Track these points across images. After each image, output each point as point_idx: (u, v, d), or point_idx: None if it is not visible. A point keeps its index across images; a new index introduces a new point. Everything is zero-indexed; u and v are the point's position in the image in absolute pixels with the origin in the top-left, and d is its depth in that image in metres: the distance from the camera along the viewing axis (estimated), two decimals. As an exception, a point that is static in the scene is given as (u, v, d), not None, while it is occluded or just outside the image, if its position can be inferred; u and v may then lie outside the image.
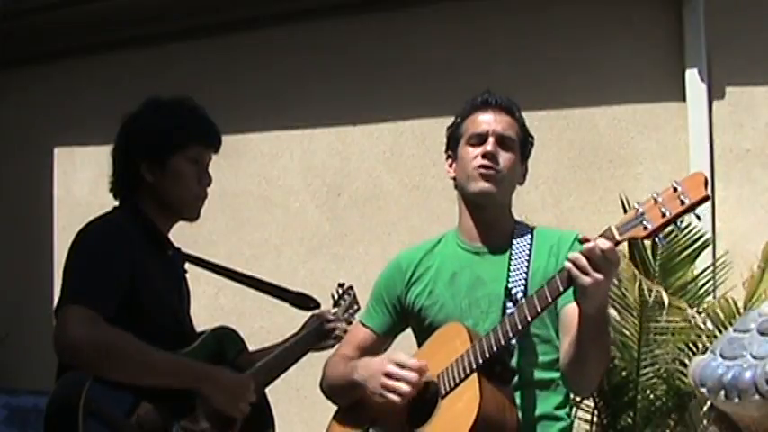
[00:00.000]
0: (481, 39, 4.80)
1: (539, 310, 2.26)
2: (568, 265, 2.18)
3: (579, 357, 2.33)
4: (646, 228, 2.14)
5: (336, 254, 5.00)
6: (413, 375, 2.40)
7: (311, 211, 5.09)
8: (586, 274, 2.15)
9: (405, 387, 2.40)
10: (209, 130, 2.67)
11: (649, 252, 3.83)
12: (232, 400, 2.50)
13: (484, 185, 2.49)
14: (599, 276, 2.15)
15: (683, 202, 2.10)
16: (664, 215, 2.12)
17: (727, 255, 4.05)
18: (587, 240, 2.19)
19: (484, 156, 2.49)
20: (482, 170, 2.49)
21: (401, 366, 2.42)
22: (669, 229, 2.16)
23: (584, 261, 2.16)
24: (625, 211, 3.84)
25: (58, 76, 5.73)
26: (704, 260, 4.02)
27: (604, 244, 2.16)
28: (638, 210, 2.17)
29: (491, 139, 2.51)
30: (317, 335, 2.94)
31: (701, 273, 3.95)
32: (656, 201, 2.14)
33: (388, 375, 2.42)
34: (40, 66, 5.75)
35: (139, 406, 2.36)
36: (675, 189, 2.12)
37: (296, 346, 2.87)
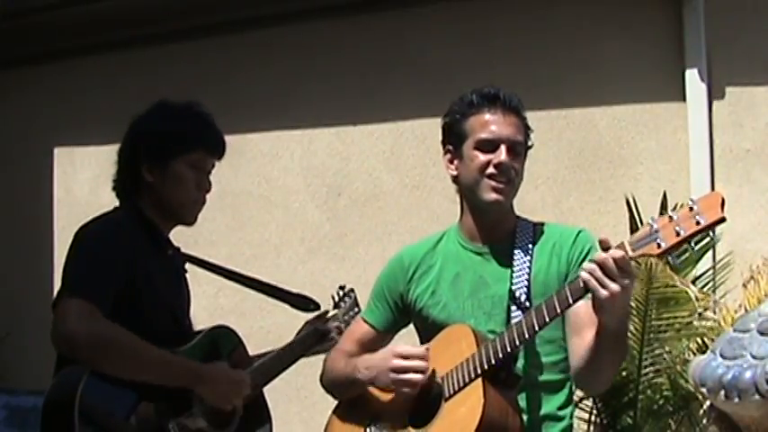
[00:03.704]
0: (481, 39, 4.80)
1: (547, 320, 2.25)
2: (585, 276, 2.14)
3: (594, 364, 2.31)
4: (659, 246, 2.11)
5: (336, 254, 5.00)
6: (420, 364, 2.39)
7: (311, 211, 5.09)
8: (603, 286, 2.12)
9: (415, 377, 2.39)
10: (212, 137, 2.68)
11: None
12: (226, 395, 2.52)
13: (496, 197, 2.45)
14: (615, 288, 2.12)
15: (698, 222, 2.07)
16: (678, 234, 2.09)
17: (727, 255, 4.05)
18: (608, 243, 2.15)
19: (496, 166, 2.43)
20: (493, 182, 2.44)
21: (405, 358, 2.41)
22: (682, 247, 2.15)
23: (599, 272, 2.12)
24: (631, 212, 3.90)
25: (58, 76, 5.73)
26: (704, 261, 4.01)
27: (617, 253, 2.12)
28: (652, 226, 2.14)
29: (503, 148, 2.44)
30: (315, 336, 2.94)
31: (703, 273, 3.95)
32: (671, 219, 2.11)
33: (396, 370, 2.41)
34: (40, 66, 5.76)
35: (135, 403, 2.37)
36: (692, 208, 2.09)
37: (294, 346, 2.87)
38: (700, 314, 3.71)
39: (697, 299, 3.61)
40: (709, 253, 4.08)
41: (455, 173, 2.53)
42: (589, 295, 2.18)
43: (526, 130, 2.53)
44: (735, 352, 2.02)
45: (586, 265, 2.16)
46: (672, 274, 3.63)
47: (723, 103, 4.40)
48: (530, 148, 2.55)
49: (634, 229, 3.75)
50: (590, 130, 4.61)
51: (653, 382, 3.82)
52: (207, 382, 2.48)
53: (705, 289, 3.94)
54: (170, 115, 2.66)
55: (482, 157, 2.45)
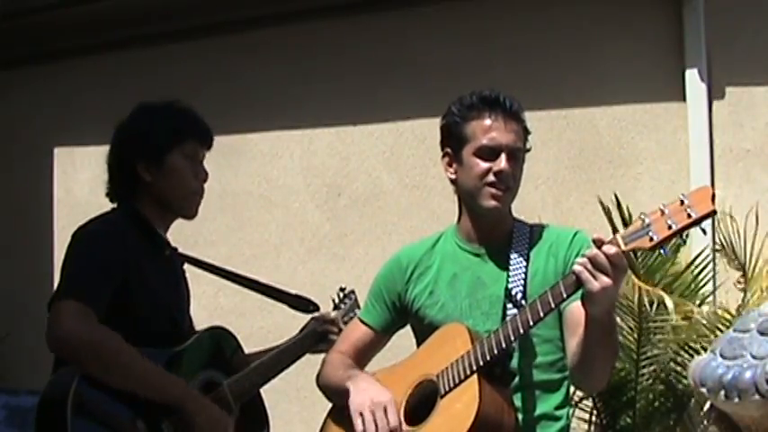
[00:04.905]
0: (481, 39, 4.79)
1: (541, 315, 2.26)
2: (578, 269, 2.18)
3: (586, 359, 2.32)
4: (651, 239, 2.15)
5: (336, 254, 5.00)
6: (384, 426, 2.39)
7: (311, 211, 5.09)
8: (595, 278, 2.15)
9: (372, 428, 2.39)
10: (201, 126, 2.71)
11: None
12: (204, 429, 2.48)
13: (495, 204, 2.45)
14: (607, 281, 2.15)
15: (689, 216, 2.11)
16: (670, 227, 2.13)
17: (723, 247, 4.04)
18: (601, 241, 2.19)
19: (496, 174, 2.43)
20: (493, 190, 2.44)
21: (385, 412, 2.41)
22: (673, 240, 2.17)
23: (591, 265, 2.16)
24: (620, 209, 3.89)
25: (59, 76, 5.73)
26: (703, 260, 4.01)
27: (610, 249, 2.16)
28: (644, 220, 2.17)
29: (504, 156, 2.44)
30: (314, 337, 2.94)
31: (700, 272, 3.95)
32: (662, 212, 2.15)
33: (372, 408, 2.42)
34: (39, 66, 5.76)
35: (129, 402, 2.37)
36: (682, 202, 2.13)
37: (293, 347, 2.88)
38: (691, 318, 3.70)
39: (690, 294, 3.60)
40: (709, 249, 4.07)
41: (454, 176, 2.53)
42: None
43: (525, 134, 2.52)
44: (735, 352, 2.02)
45: (579, 258, 2.20)
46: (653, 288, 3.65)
47: (723, 103, 4.40)
48: (528, 151, 2.55)
49: (614, 229, 3.77)
50: (590, 130, 4.61)
51: (651, 383, 3.82)
52: (198, 404, 2.46)
53: (703, 277, 3.93)
54: (156, 113, 2.68)
55: (482, 165, 2.45)
